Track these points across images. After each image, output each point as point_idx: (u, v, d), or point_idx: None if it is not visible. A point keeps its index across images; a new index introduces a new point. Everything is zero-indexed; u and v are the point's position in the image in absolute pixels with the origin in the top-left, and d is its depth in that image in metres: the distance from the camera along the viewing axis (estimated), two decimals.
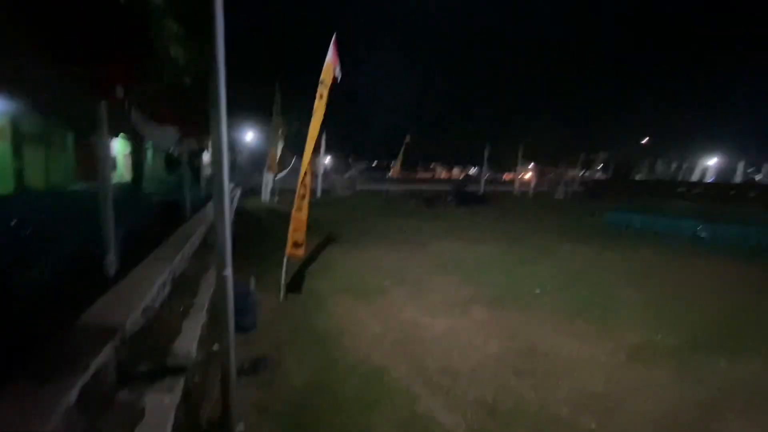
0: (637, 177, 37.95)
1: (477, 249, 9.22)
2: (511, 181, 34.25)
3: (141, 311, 3.32)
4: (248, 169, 25.51)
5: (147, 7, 3.36)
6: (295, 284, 6.08)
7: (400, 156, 25.12)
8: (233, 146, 23.81)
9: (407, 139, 24.24)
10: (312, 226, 5.73)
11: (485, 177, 31.30)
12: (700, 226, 12.01)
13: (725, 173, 39.66)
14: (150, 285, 3.79)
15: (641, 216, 13.95)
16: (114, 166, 12.57)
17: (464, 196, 21.69)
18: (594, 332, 4.68)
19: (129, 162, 13.79)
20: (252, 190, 19.85)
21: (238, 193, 19.41)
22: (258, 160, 22.94)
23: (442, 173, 60.05)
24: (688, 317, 5.19)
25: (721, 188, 26.86)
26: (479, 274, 7.07)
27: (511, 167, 34.46)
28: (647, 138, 39.43)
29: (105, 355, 2.48)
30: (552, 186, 31.98)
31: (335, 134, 25.66)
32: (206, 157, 15.94)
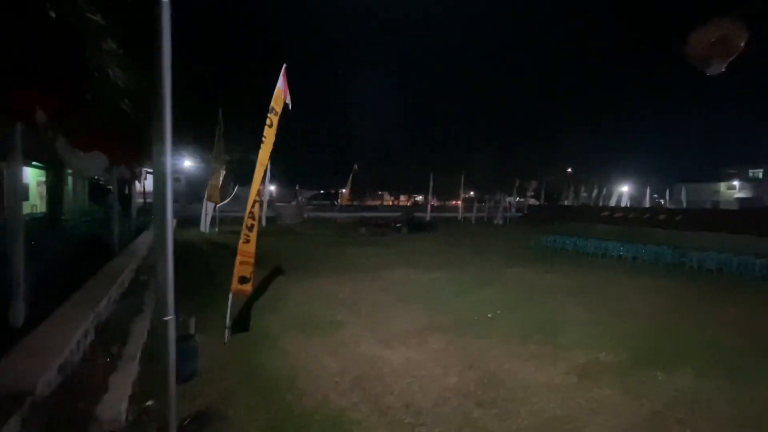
0: (565, 202, 41.56)
1: (429, 276, 9.31)
2: (456, 208, 35.79)
3: (57, 369, 2.81)
4: (186, 198, 23.94)
5: (82, 24, 3.04)
6: (241, 323, 5.62)
7: (349, 184, 25.20)
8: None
9: (355, 167, 24.48)
10: (259, 256, 5.40)
11: (431, 204, 32.36)
12: (623, 247, 13.31)
13: (636, 198, 44.98)
14: (68, 335, 3.25)
15: (573, 239, 15.16)
16: (26, 196, 11.08)
17: (413, 224, 22.13)
18: (546, 354, 4.84)
19: (44, 190, 12.25)
20: (190, 220, 18.57)
21: (175, 222, 18.03)
22: (197, 189, 21.65)
23: (390, 201, 61.21)
24: (626, 334, 5.59)
25: (637, 212, 30.23)
26: (433, 301, 7.10)
27: (455, 195, 36.07)
28: (570, 168, 43.84)
29: (10, 429, 2.03)
30: (492, 212, 33.86)
31: (281, 161, 25.20)
32: (139, 186, 14.70)
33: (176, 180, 24.78)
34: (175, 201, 2.89)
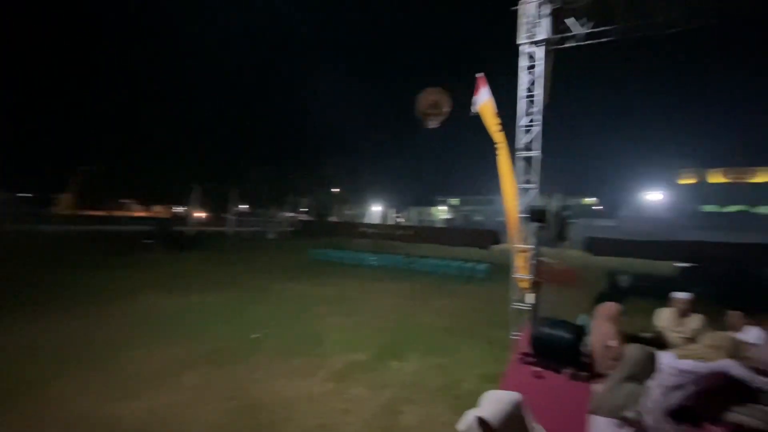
0: (332, 219, 46.20)
1: (189, 300, 8.17)
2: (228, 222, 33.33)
3: None
4: None
5: None
6: None
7: (72, 188, 19.23)
8: None
9: (81, 171, 18.97)
10: None
11: (194, 217, 28.89)
12: (373, 258, 15.89)
13: (384, 216, 55.11)
14: None
15: (337, 252, 16.90)
16: None
17: (170, 238, 19.01)
18: (308, 366, 5.06)
19: None
20: None
21: None
22: None
23: (139, 211, 50.51)
24: (374, 333, 6.58)
25: (384, 228, 36.88)
26: (191, 330, 6.24)
27: (225, 208, 33.67)
28: (338, 188, 49.50)
29: None
30: (265, 226, 33.55)
31: None
32: None
33: None
34: None
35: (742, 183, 42.73)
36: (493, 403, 1.51)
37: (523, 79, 5.62)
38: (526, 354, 3.48)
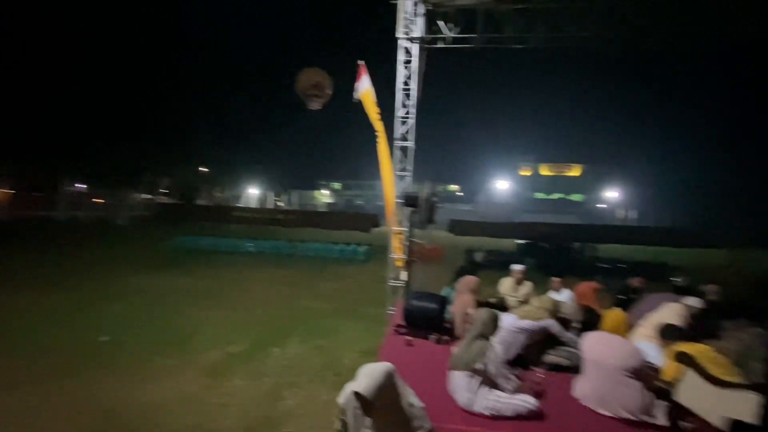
0: (200, 202, 41.55)
1: (17, 302, 6.45)
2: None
3: None
4: None
5: None
6: None
7: None
8: None
9: None
10: None
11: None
12: (251, 244, 15.01)
13: (262, 200, 52.17)
14: None
15: (208, 239, 15.41)
16: None
17: None
18: (177, 366, 4.60)
19: None
20: None
21: None
22: None
23: None
24: (253, 323, 6.31)
25: (263, 212, 34.96)
26: (21, 339, 4.99)
27: (56, 188, 27.00)
28: (206, 168, 44.44)
29: None
30: (113, 210, 28.23)
31: None
32: None
33: None
34: None
35: (561, 175, 54.01)
36: (367, 376, 1.66)
37: (401, 73, 5.98)
38: (399, 326, 3.85)
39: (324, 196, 61.13)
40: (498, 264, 13.42)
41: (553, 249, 15.91)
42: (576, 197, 52.17)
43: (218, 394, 4.00)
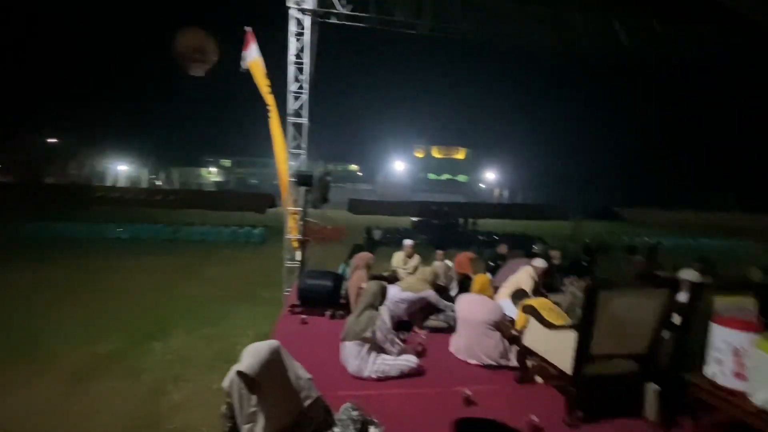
0: (50, 180, 34.08)
1: None
2: None
3: None
4: None
5: None
6: None
7: None
8: None
9: None
10: None
11: None
12: (121, 228, 13.03)
13: (134, 179, 45.17)
14: None
15: (64, 225, 12.87)
16: None
17: None
18: (31, 372, 3.86)
19: None
20: None
21: None
22: None
23: None
24: (125, 317, 5.58)
25: (136, 192, 30.36)
26: None
27: None
28: (56, 138, 36.34)
29: None
30: None
31: None
32: None
33: None
34: None
35: (450, 158, 58.84)
36: (251, 355, 1.65)
37: (292, 44, 5.72)
38: (293, 305, 3.85)
39: (212, 174, 55.73)
40: (395, 240, 14.21)
41: (442, 225, 17.47)
42: (462, 178, 57.59)
43: (87, 400, 3.49)
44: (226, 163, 57.64)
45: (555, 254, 5.81)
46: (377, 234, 15.48)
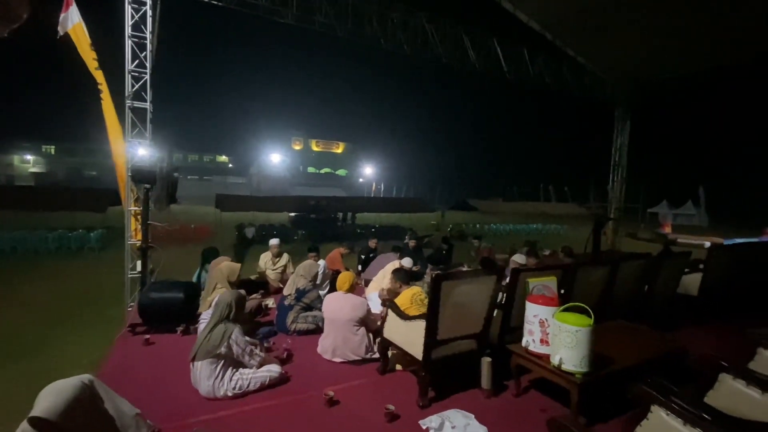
0: None
1: None
2: None
3: None
4: None
5: None
6: None
7: None
8: None
9: None
10: None
11: None
12: None
13: None
14: None
15: None
16: None
17: None
18: None
19: None
20: None
21: None
22: None
23: None
24: None
25: None
26: None
27: None
28: None
29: None
30: None
31: None
32: None
33: None
34: None
35: (329, 151, 58.90)
36: (51, 395, 1.33)
37: (128, 14, 4.82)
38: (134, 324, 3.28)
39: (28, 164, 44.08)
40: (271, 238, 13.52)
41: (322, 220, 17.37)
42: (341, 172, 58.36)
43: None
44: (49, 149, 46.19)
45: (412, 245, 6.36)
46: (250, 232, 14.51)
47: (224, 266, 3.64)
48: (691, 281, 4.27)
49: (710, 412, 1.40)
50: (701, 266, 4.43)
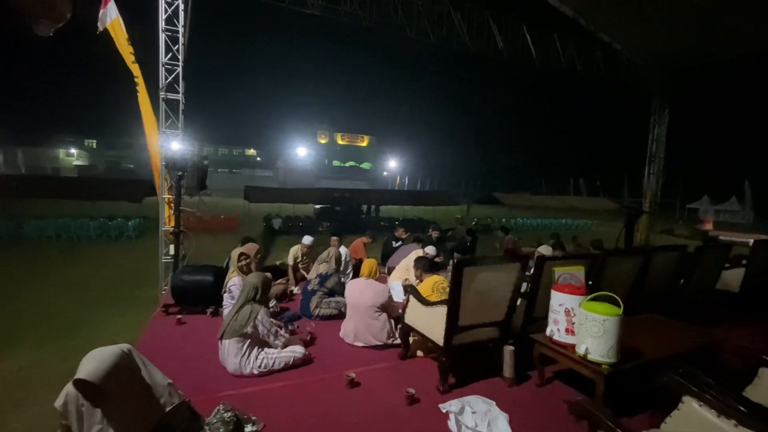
0: None
1: None
2: None
3: None
4: None
5: None
6: None
7: None
8: None
9: None
10: None
11: None
12: None
13: None
14: None
15: None
16: None
17: None
18: None
19: None
20: None
21: None
22: None
23: None
24: None
25: None
26: None
27: None
28: None
29: None
30: None
31: None
32: None
33: None
34: None
35: (354, 145, 59.16)
36: (94, 360, 1.42)
37: (162, 7, 5.00)
38: (168, 305, 3.45)
39: (72, 157, 46.70)
40: (297, 229, 13.78)
41: (346, 212, 17.51)
42: (366, 165, 58.52)
43: None
44: (91, 143, 48.78)
45: (433, 235, 6.31)
46: (277, 223, 14.83)
47: (235, 251, 3.72)
48: (733, 277, 4.04)
49: (747, 405, 1.33)
50: (744, 262, 4.18)
